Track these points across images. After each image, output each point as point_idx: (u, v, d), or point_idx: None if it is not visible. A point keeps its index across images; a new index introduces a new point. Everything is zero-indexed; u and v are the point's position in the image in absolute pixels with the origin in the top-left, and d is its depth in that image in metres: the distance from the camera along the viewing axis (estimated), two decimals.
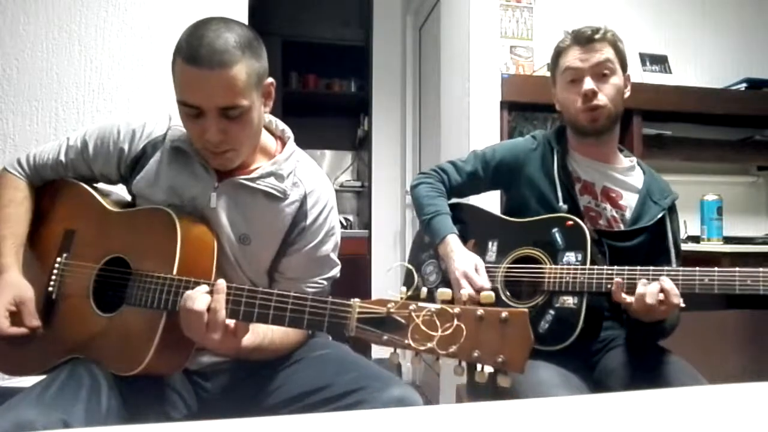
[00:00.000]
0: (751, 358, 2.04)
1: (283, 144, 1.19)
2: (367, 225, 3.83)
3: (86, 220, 1.13)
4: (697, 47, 2.66)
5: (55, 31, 1.96)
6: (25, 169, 1.18)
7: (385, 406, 0.94)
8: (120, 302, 1.02)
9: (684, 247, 1.39)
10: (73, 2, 1.98)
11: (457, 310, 0.77)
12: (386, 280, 3.57)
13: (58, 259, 1.12)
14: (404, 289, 0.84)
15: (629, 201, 1.37)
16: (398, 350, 0.81)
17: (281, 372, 1.11)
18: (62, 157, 1.16)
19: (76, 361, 1.02)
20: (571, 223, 1.28)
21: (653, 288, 1.12)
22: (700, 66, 2.65)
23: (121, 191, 1.20)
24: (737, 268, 1.11)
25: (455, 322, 0.76)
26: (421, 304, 0.79)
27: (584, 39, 1.33)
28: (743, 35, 2.72)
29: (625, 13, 2.51)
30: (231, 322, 0.93)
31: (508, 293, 1.31)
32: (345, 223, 4.28)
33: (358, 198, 4.50)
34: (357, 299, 0.86)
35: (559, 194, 1.35)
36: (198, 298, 0.92)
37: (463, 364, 0.75)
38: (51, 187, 1.19)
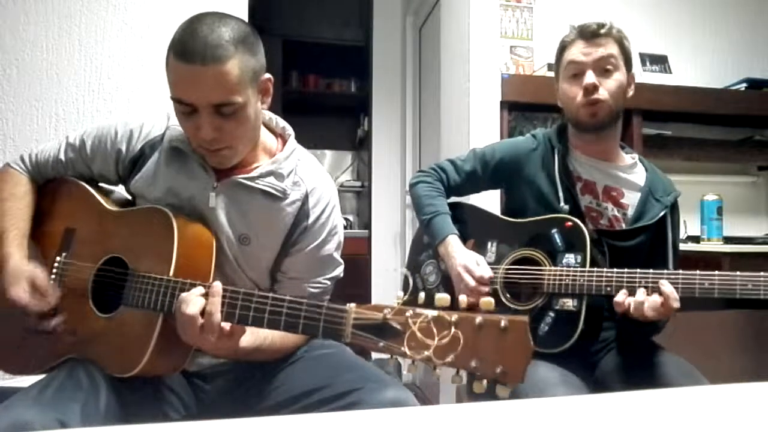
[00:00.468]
0: (751, 358, 2.04)
1: (284, 142, 1.17)
2: (367, 225, 3.83)
3: (85, 219, 1.13)
4: (697, 47, 2.66)
5: (55, 31, 1.96)
6: (27, 166, 1.18)
7: (380, 407, 0.94)
8: (118, 302, 1.01)
9: (684, 247, 1.38)
10: (73, 2, 1.98)
11: (454, 317, 0.74)
12: (386, 281, 3.57)
13: (58, 258, 1.12)
14: (401, 294, 0.82)
15: (631, 199, 1.36)
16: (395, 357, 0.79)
17: (280, 373, 1.11)
18: (62, 156, 1.16)
19: (74, 362, 1.01)
20: (570, 224, 1.28)
21: (654, 299, 1.12)
22: (700, 66, 2.65)
23: (122, 190, 1.20)
24: (738, 273, 1.10)
25: (452, 330, 0.73)
26: (418, 310, 0.77)
27: (589, 33, 1.32)
28: (743, 35, 2.72)
29: (626, 13, 2.51)
30: (227, 325, 0.92)
31: (508, 295, 1.31)
32: (345, 223, 4.27)
33: (358, 198, 4.50)
34: (353, 304, 0.84)
35: (560, 194, 1.34)
36: (192, 301, 0.91)
37: (462, 372, 0.73)
38: (52, 185, 1.19)
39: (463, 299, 0.77)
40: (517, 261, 1.33)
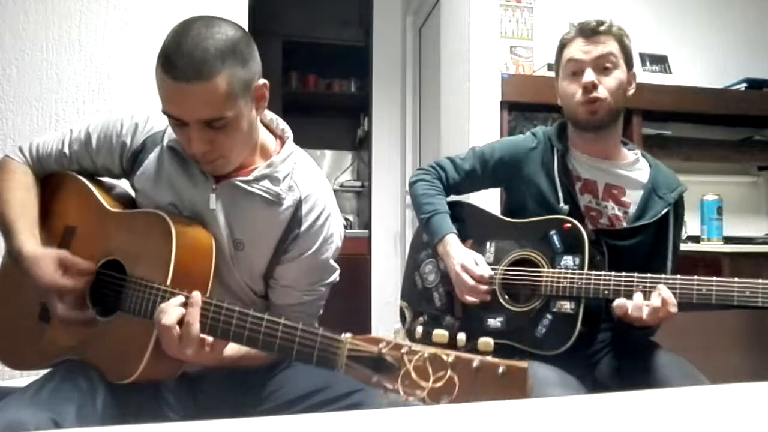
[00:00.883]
0: (751, 358, 2.04)
1: (283, 144, 1.14)
2: (367, 225, 3.83)
3: (85, 218, 1.12)
4: (697, 47, 2.66)
5: (55, 31, 1.96)
6: (28, 159, 1.15)
7: (380, 408, 0.93)
8: (115, 306, 1.00)
9: (684, 247, 1.38)
10: (73, 2, 1.98)
11: (451, 358, 0.71)
12: (386, 281, 3.57)
13: None
14: (398, 326, 0.80)
15: (633, 197, 1.34)
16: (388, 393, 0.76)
17: (279, 375, 1.10)
18: (66, 149, 1.13)
19: (72, 363, 1.00)
20: (568, 225, 1.27)
21: (652, 304, 1.11)
22: (700, 66, 2.65)
23: (124, 184, 1.18)
24: (736, 279, 1.09)
25: (448, 372, 0.71)
26: (414, 346, 0.74)
27: (589, 31, 1.31)
28: (743, 35, 2.72)
29: (626, 13, 2.51)
30: (209, 338, 0.91)
31: (506, 296, 1.30)
32: (345, 224, 4.27)
33: (358, 198, 4.50)
34: (348, 334, 0.82)
35: (560, 194, 1.33)
36: (168, 312, 0.90)
37: None
38: (52, 180, 1.17)
39: (461, 338, 0.74)
40: (515, 262, 1.32)
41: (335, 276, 1.15)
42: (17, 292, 1.11)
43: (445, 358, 0.72)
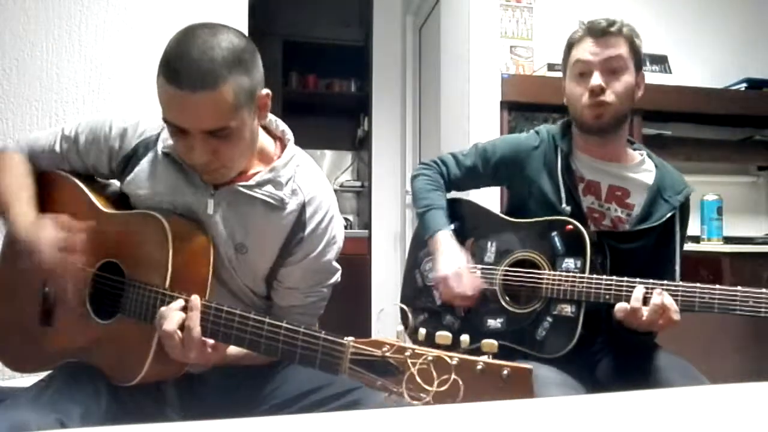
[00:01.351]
0: (751, 358, 2.04)
1: (283, 146, 1.13)
2: (367, 225, 3.83)
3: (80, 219, 1.09)
4: (698, 47, 2.66)
5: (55, 31, 1.96)
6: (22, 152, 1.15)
7: (379, 406, 0.93)
8: (114, 308, 1.00)
9: (684, 247, 1.37)
10: (73, 2, 1.97)
11: (455, 360, 0.71)
12: (386, 281, 3.57)
13: None
14: (401, 329, 0.79)
15: (638, 199, 1.32)
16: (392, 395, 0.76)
17: (279, 373, 1.10)
18: (57, 147, 1.13)
19: (75, 364, 1.00)
20: (570, 227, 1.25)
21: (653, 311, 1.10)
22: (700, 66, 2.65)
23: (118, 184, 1.17)
24: (739, 288, 1.08)
25: (452, 376, 0.71)
26: (418, 349, 0.74)
27: (599, 31, 1.27)
28: (743, 35, 2.72)
29: (625, 13, 2.49)
30: (210, 341, 0.92)
31: (506, 297, 1.30)
32: (345, 224, 4.27)
33: (358, 198, 4.50)
34: (351, 338, 0.81)
35: (563, 195, 1.31)
36: (169, 318, 0.90)
37: None
38: (45, 180, 1.15)
39: (465, 339, 0.74)
40: (516, 262, 1.32)
41: (337, 276, 1.15)
42: (17, 295, 1.11)
43: (449, 360, 0.72)
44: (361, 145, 4.43)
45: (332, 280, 1.14)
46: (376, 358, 0.77)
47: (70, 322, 1.05)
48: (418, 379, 0.72)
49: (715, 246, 2.09)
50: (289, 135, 1.14)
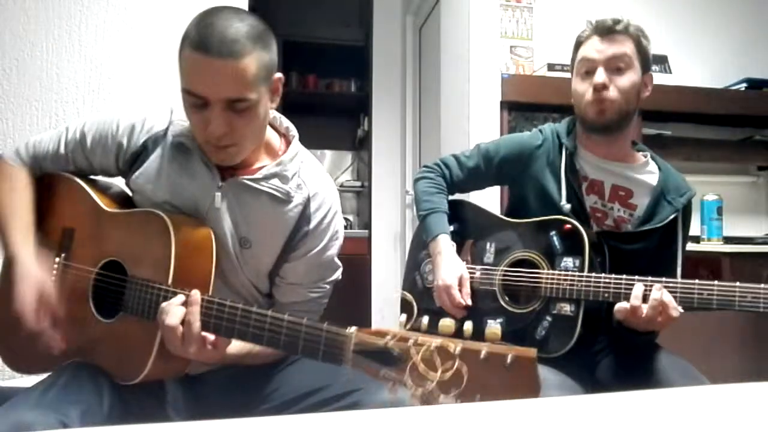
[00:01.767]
0: (751, 358, 2.04)
1: (287, 142, 1.14)
2: (367, 225, 3.83)
3: (83, 219, 1.11)
4: (697, 47, 2.66)
5: (55, 31, 1.96)
6: (24, 159, 1.14)
7: (380, 407, 0.93)
8: (117, 307, 1.00)
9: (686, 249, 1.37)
10: (73, 2, 1.98)
11: (458, 348, 0.71)
12: (386, 281, 3.57)
13: (57, 259, 1.10)
14: (403, 318, 0.79)
15: (641, 200, 1.32)
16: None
17: (279, 374, 1.11)
18: (62, 150, 1.13)
19: (78, 364, 1.00)
20: (569, 227, 1.25)
21: (653, 308, 1.10)
22: (700, 66, 2.65)
23: (119, 183, 1.17)
24: (737, 284, 1.08)
25: (456, 363, 0.70)
26: (421, 338, 0.74)
27: (605, 30, 1.28)
28: (743, 35, 2.72)
29: (625, 13, 2.50)
30: (212, 336, 0.92)
31: (506, 297, 1.30)
32: (345, 224, 4.27)
33: (358, 198, 4.50)
34: (354, 328, 0.81)
35: (563, 193, 1.31)
36: (171, 312, 0.90)
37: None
38: (48, 181, 1.16)
39: (468, 327, 0.74)
40: (515, 262, 1.32)
41: (339, 273, 1.16)
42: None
43: (452, 348, 0.72)
44: (361, 145, 4.43)
45: (334, 277, 1.15)
46: (380, 348, 0.77)
47: (73, 321, 1.05)
48: (422, 368, 0.72)
49: (715, 246, 2.09)
50: (294, 131, 1.16)
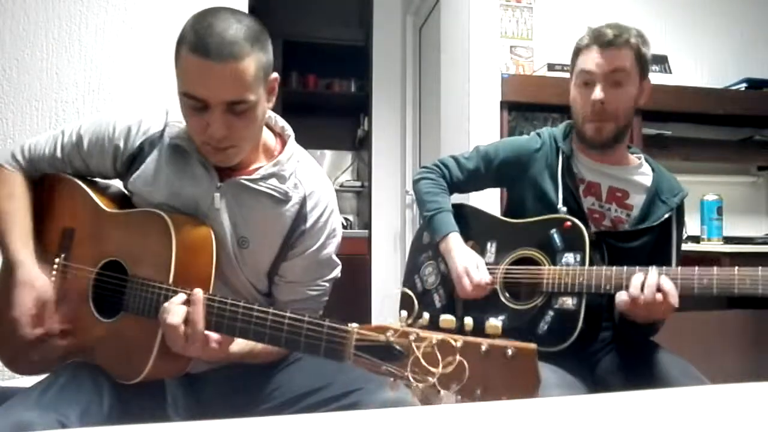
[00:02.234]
0: (751, 358, 2.04)
1: (283, 142, 1.15)
2: (367, 225, 3.83)
3: (82, 219, 1.11)
4: (697, 47, 2.66)
5: (55, 31, 1.97)
6: (21, 162, 1.14)
7: (380, 407, 0.93)
8: (118, 306, 1.01)
9: (684, 247, 1.38)
10: (73, 2, 1.98)
11: (459, 343, 0.71)
12: (386, 281, 3.57)
13: (56, 260, 1.10)
14: (404, 314, 0.79)
15: (636, 200, 1.35)
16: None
17: (279, 374, 1.11)
18: (58, 153, 1.13)
19: (78, 363, 1.01)
20: (569, 224, 1.27)
21: (654, 296, 1.10)
22: (700, 66, 2.65)
23: (119, 184, 1.17)
24: (736, 268, 1.09)
25: (457, 357, 0.71)
26: (422, 333, 0.74)
27: (605, 42, 1.28)
28: (743, 35, 2.72)
29: (625, 13, 2.51)
30: (215, 334, 0.92)
31: (507, 294, 1.31)
32: (345, 223, 4.28)
33: (358, 198, 4.50)
34: (355, 324, 0.81)
35: (560, 195, 1.34)
36: (173, 311, 0.90)
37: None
38: (46, 183, 1.16)
39: (468, 322, 0.74)
40: (516, 261, 1.33)
41: (337, 271, 1.16)
42: None
43: (453, 343, 0.72)
44: (361, 145, 4.43)
45: (333, 275, 1.15)
46: (381, 343, 0.77)
47: (73, 321, 1.06)
48: (423, 362, 0.73)
49: (715, 246, 2.09)
50: (289, 131, 1.16)
